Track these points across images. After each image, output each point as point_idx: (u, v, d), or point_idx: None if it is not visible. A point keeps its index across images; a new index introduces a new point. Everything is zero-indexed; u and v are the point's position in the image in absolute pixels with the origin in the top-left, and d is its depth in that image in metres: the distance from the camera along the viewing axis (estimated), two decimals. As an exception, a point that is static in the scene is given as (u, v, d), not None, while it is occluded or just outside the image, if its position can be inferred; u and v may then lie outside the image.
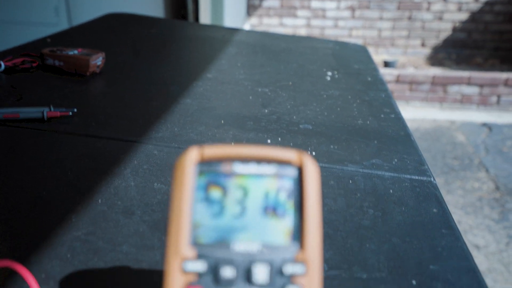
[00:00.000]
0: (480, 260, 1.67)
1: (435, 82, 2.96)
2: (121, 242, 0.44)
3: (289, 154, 0.27)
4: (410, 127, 2.72)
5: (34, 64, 0.88)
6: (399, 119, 0.81)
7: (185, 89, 0.87)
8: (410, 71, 3.02)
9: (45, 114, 0.66)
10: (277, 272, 0.26)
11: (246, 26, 2.97)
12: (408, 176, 0.61)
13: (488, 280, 1.52)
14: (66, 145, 0.63)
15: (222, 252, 0.26)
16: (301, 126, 0.74)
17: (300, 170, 0.28)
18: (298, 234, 0.27)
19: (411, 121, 2.80)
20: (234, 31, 1.43)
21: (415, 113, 2.85)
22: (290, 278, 0.26)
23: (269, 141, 0.67)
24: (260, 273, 0.26)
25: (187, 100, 0.82)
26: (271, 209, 0.27)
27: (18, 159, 0.59)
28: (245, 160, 0.27)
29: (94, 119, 0.71)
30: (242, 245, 0.26)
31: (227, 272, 0.26)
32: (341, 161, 0.64)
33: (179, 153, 0.63)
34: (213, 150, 0.27)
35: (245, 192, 0.27)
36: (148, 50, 1.12)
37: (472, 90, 2.98)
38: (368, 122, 0.78)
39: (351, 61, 1.16)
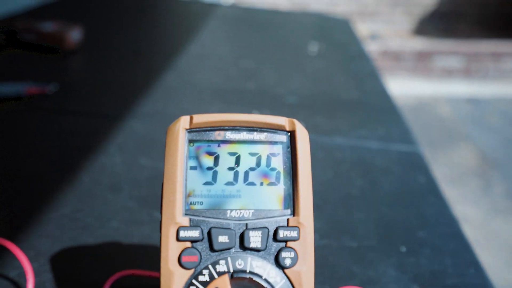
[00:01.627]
0: (466, 233, 1.71)
1: (420, 54, 2.97)
2: (110, 218, 0.44)
3: (280, 120, 0.27)
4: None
5: (5, 39, 0.85)
6: (383, 90, 0.82)
7: (167, 64, 0.85)
8: (394, 43, 3.02)
9: (23, 91, 0.65)
10: (271, 237, 0.26)
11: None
12: (395, 146, 0.61)
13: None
14: (47, 123, 0.61)
15: (216, 219, 0.26)
16: (286, 98, 0.74)
17: (291, 136, 0.27)
18: (291, 199, 0.27)
19: (395, 94, 2.82)
20: (214, 6, 1.40)
21: (400, 87, 2.86)
22: (284, 243, 0.26)
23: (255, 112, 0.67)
24: (254, 239, 0.26)
25: (170, 74, 0.81)
26: (263, 175, 0.27)
27: (-1, 138, 0.57)
28: (236, 127, 0.27)
29: (74, 96, 0.70)
30: (236, 211, 0.26)
31: (222, 238, 0.25)
32: (327, 133, 0.64)
33: (164, 129, 0.62)
34: (204, 118, 0.27)
35: (237, 159, 0.27)
36: (127, 24, 1.09)
37: (458, 61, 2.99)
38: (353, 94, 0.78)
39: (335, 34, 1.15)
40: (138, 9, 1.26)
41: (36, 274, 0.36)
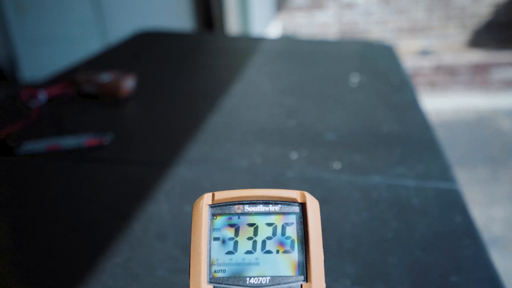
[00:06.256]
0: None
1: (476, 66, 2.87)
2: (157, 266, 0.48)
3: (292, 193, 0.30)
4: (452, 117, 2.64)
5: (70, 92, 0.94)
6: (424, 121, 0.82)
7: (213, 105, 0.90)
8: (448, 57, 2.94)
9: (83, 143, 0.71)
10: (286, 303, 0.29)
11: (275, 24, 2.98)
12: (433, 184, 0.62)
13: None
14: (102, 173, 0.67)
15: (237, 286, 0.29)
16: (326, 136, 0.76)
17: (303, 207, 0.30)
18: (304, 266, 0.29)
19: (452, 110, 2.73)
20: (261, 40, 1.46)
21: (456, 101, 2.78)
22: (299, 308, 0.29)
23: (295, 154, 0.70)
24: (271, 305, 0.28)
25: (215, 116, 0.85)
26: (279, 243, 0.30)
27: (58, 189, 0.64)
28: (253, 201, 0.30)
29: (127, 145, 0.76)
30: (254, 278, 0.29)
31: (242, 305, 0.28)
32: (365, 172, 0.65)
33: (208, 174, 0.66)
34: (224, 195, 0.30)
35: (255, 229, 0.30)
36: (178, 67, 1.16)
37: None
38: (393, 127, 0.79)
39: (377, 63, 1.16)
40: (186, 51, 1.33)
41: (92, 323, 0.41)
